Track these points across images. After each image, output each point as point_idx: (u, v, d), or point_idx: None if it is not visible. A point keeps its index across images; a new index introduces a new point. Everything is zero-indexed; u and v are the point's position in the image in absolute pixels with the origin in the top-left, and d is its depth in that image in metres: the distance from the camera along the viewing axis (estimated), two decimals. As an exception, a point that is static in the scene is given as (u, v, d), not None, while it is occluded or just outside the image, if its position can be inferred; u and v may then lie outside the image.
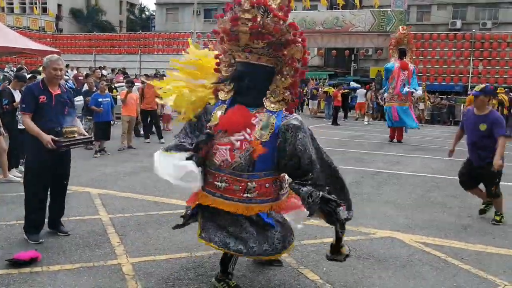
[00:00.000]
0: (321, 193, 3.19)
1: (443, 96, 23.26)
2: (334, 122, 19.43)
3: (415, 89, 13.77)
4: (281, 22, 3.22)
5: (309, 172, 3.25)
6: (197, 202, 3.47)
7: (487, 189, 5.81)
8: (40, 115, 4.41)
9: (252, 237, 3.25)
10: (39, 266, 3.90)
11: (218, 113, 3.36)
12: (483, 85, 5.82)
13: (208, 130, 3.35)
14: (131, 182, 7.19)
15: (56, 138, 4.34)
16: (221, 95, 3.44)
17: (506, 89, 17.46)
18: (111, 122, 10.27)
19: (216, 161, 3.29)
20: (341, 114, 21.14)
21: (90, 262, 4.02)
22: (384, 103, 14.72)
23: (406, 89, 13.46)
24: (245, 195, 3.28)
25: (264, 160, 3.24)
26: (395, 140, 13.69)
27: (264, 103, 3.33)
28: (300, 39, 3.32)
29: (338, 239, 3.44)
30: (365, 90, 22.19)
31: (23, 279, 3.65)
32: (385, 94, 14.25)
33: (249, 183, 3.27)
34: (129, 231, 4.89)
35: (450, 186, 7.71)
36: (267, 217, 3.28)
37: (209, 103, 3.49)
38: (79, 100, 10.05)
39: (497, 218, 5.71)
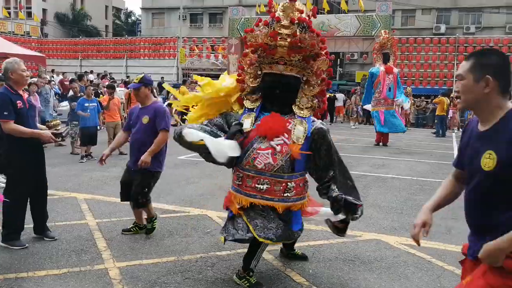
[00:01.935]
0: (344, 196, 3.68)
1: (427, 100, 23.56)
2: None
3: (402, 102, 14.04)
4: (316, 37, 3.66)
5: (333, 169, 3.76)
6: (237, 206, 3.68)
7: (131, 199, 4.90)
8: (19, 121, 4.31)
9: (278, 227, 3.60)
10: (25, 271, 3.87)
11: (248, 120, 3.69)
12: (141, 75, 4.99)
13: (238, 125, 3.67)
14: (118, 187, 7.11)
15: (54, 131, 4.54)
16: (248, 104, 3.78)
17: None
18: (98, 127, 10.21)
19: (258, 165, 3.55)
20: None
21: (76, 267, 4.00)
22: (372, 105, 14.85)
23: (401, 100, 13.79)
24: (285, 194, 3.61)
25: (300, 161, 3.63)
26: (381, 143, 13.83)
27: (294, 110, 3.69)
28: (324, 52, 3.77)
29: (347, 223, 3.94)
30: (342, 95, 22.45)
31: (8, 285, 3.61)
32: (368, 105, 14.37)
33: (289, 183, 3.61)
34: (116, 235, 4.88)
35: (434, 189, 7.79)
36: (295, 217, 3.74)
37: (233, 110, 3.86)
38: (65, 105, 10.00)
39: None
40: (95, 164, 9.13)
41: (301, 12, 3.64)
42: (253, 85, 3.79)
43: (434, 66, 23.04)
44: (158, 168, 4.84)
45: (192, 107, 4.12)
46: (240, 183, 3.66)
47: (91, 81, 16.95)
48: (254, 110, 3.74)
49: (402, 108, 14.73)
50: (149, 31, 40.73)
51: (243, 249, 4.55)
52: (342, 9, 25.96)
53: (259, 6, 26.78)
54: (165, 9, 41.14)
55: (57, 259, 4.19)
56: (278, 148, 3.55)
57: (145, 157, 4.64)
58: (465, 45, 22.71)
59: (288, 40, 3.55)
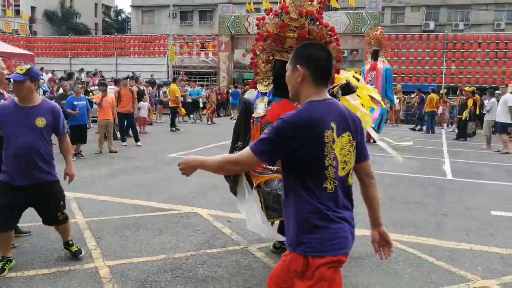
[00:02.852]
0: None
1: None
2: None
3: (391, 100, 14.16)
4: (324, 28, 3.81)
5: None
6: (257, 182, 3.82)
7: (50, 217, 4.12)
8: None
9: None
10: (13, 271, 3.83)
11: (261, 105, 3.87)
12: (28, 66, 3.94)
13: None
14: (108, 185, 7.12)
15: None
16: (261, 88, 3.99)
17: (477, 90, 17.92)
18: (87, 125, 10.13)
19: None
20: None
21: (66, 266, 3.97)
22: None
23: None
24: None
25: None
26: (371, 140, 13.88)
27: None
28: (335, 39, 3.92)
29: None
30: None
31: (-4, 286, 3.57)
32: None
33: None
34: (106, 234, 4.85)
35: (424, 185, 7.88)
36: None
37: (245, 96, 4.17)
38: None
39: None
40: (85, 163, 9.08)
41: (311, 0, 3.86)
42: (265, 69, 3.98)
43: (423, 63, 23.17)
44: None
45: None
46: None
47: (82, 81, 16.80)
48: (267, 94, 3.91)
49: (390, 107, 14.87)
50: (139, 29, 40.50)
51: (234, 246, 4.56)
52: (332, 6, 26.00)
53: (249, 3, 26.71)
54: (155, 6, 40.93)
55: (46, 258, 4.15)
56: None
57: (72, 170, 4.15)
58: (454, 42, 22.88)
59: (297, 32, 3.73)
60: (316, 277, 2.03)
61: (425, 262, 4.38)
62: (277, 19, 3.83)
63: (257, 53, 4.05)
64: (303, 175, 2.06)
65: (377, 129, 13.64)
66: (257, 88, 4.06)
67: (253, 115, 3.91)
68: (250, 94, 4.15)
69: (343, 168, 2.12)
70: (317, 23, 3.79)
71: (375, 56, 13.87)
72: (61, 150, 4.22)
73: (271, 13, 3.91)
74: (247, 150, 2.09)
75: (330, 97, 2.18)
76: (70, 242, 4.22)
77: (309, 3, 3.86)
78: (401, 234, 5.19)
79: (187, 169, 2.26)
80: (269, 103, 3.86)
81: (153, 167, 8.77)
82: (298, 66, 2.13)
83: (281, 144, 2.02)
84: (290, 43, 3.77)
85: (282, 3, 3.91)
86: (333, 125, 2.06)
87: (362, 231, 5.23)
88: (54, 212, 4.04)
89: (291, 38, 3.76)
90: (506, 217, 6.03)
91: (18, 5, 38.06)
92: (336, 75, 4.27)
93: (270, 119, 3.65)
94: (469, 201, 6.81)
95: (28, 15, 36.84)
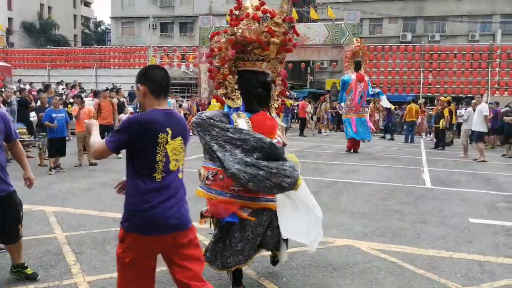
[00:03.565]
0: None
1: (396, 106, 24.06)
2: (301, 134, 19.75)
3: (379, 97, 14.46)
4: (296, 37, 3.69)
5: None
6: (245, 214, 3.43)
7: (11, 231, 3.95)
8: None
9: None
10: (-11, 290, 3.73)
11: (241, 120, 3.48)
12: None
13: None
14: (88, 199, 7.02)
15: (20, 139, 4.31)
16: (230, 103, 3.57)
17: (453, 100, 18.36)
18: (66, 137, 9.99)
19: None
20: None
21: (44, 283, 3.89)
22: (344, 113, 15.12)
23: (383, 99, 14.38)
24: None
25: None
26: (352, 150, 14.03)
27: (268, 109, 3.68)
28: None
29: None
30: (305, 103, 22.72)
31: (-28, 305, 3.48)
32: (342, 104, 14.74)
33: None
34: (86, 248, 4.77)
35: (403, 194, 7.99)
36: None
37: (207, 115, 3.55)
38: (32, 116, 9.76)
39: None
40: (64, 176, 8.94)
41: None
42: (233, 82, 3.61)
43: (401, 73, 23.57)
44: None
45: None
46: (241, 188, 3.34)
47: (60, 94, 16.58)
48: (240, 109, 3.56)
49: (370, 115, 15.09)
50: (119, 40, 40.24)
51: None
52: (311, 18, 26.33)
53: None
54: (135, 18, 40.79)
55: (27, 279, 4.05)
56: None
57: (32, 174, 4.05)
58: (430, 52, 23.34)
59: (280, 38, 3.54)
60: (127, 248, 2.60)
61: (406, 270, 4.42)
62: (257, 24, 3.51)
63: (224, 64, 3.59)
64: (138, 165, 2.56)
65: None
66: (224, 104, 3.64)
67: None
68: (211, 113, 3.58)
69: (175, 164, 2.64)
70: (292, 31, 3.66)
71: (358, 67, 14.03)
72: (15, 157, 4.11)
73: (246, 18, 3.53)
74: (102, 140, 2.58)
75: (171, 108, 2.74)
76: (26, 264, 4.03)
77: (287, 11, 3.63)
78: (382, 243, 5.24)
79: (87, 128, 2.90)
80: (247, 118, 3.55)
81: (134, 179, 8.66)
82: (138, 85, 2.64)
83: (123, 134, 2.51)
84: (272, 50, 3.56)
85: (260, 7, 3.59)
86: (168, 130, 2.57)
87: (344, 240, 5.29)
88: (16, 225, 3.89)
89: (275, 44, 3.53)
90: (483, 224, 6.15)
91: (-5, 16, 37.52)
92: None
93: (262, 133, 3.37)
94: (448, 209, 6.93)
95: (5, 27, 36.26)
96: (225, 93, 3.60)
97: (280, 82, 3.87)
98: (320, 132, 21.68)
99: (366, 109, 14.23)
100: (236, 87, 3.58)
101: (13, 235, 3.91)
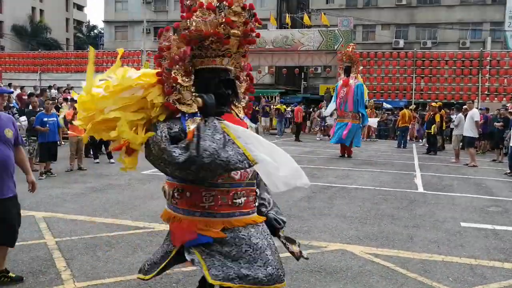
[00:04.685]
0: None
1: (389, 112, 24.22)
2: (297, 139, 19.79)
3: (364, 116, 14.18)
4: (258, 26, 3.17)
5: None
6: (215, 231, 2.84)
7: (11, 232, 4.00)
8: None
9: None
10: (-23, 296, 3.67)
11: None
12: None
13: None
14: (79, 204, 6.95)
15: None
16: (185, 108, 2.98)
17: (444, 105, 18.51)
18: (58, 142, 9.92)
19: (234, 175, 2.89)
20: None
21: (34, 289, 3.84)
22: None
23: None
24: (256, 203, 3.08)
25: None
26: (345, 155, 14.06)
27: (234, 110, 3.17)
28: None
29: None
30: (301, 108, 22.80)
31: (-41, 311, 3.42)
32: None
33: (257, 190, 3.11)
34: (76, 254, 4.72)
35: (397, 198, 8.01)
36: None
37: (151, 118, 2.96)
38: (23, 120, 9.67)
39: None
40: (54, 181, 8.86)
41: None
42: (187, 84, 3.03)
43: (394, 79, 23.72)
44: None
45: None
46: (212, 203, 2.86)
47: (53, 97, 16.48)
48: (198, 114, 2.97)
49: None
50: (112, 44, 40.12)
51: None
52: (305, 23, 26.46)
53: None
54: (128, 22, 40.76)
55: (12, 282, 3.99)
56: None
57: (34, 179, 4.10)
58: (422, 59, 23.53)
59: (241, 28, 3.03)
60: None
61: (398, 274, 4.43)
62: (213, 15, 3.00)
63: (173, 65, 3.02)
64: None
65: (350, 144, 13.85)
66: (177, 110, 3.01)
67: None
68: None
69: None
70: (253, 19, 3.12)
71: (347, 72, 14.11)
72: (18, 162, 4.14)
73: (200, 9, 3.02)
74: None
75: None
76: (7, 269, 4.02)
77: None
78: (375, 247, 5.24)
79: None
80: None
81: (126, 184, 8.62)
82: None
83: None
84: (233, 43, 3.05)
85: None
86: None
87: (337, 245, 5.28)
88: (15, 228, 3.95)
89: (235, 36, 3.03)
90: (474, 228, 6.17)
91: (-15, 20, 37.28)
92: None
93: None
94: (440, 213, 6.95)
95: (-4, 30, 36.10)
96: (178, 99, 3.01)
97: (245, 77, 3.36)
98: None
99: (356, 114, 13.93)
100: (193, 89, 3.04)
101: (12, 236, 3.95)
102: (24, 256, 4.59)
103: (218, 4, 3.01)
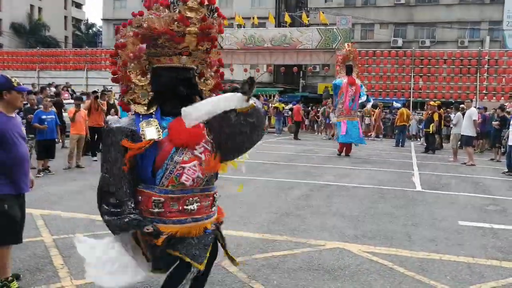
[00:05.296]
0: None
1: (387, 111, 24.24)
2: (296, 137, 19.80)
3: (368, 101, 14.51)
4: (222, 20, 3.04)
5: None
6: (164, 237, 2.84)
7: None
8: None
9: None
10: (-26, 293, 3.66)
11: (151, 129, 2.85)
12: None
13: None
14: (77, 202, 6.93)
15: None
16: (140, 109, 2.95)
17: (442, 104, 18.54)
18: (56, 140, 9.89)
19: (185, 181, 2.85)
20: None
21: (30, 287, 3.82)
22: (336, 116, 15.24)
23: (364, 102, 14.30)
24: (212, 209, 3.07)
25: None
26: (343, 154, 14.07)
27: None
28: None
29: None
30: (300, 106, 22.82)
31: (-44, 308, 3.41)
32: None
33: (215, 195, 3.10)
34: (74, 252, 4.67)
35: (395, 197, 8.01)
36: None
37: (114, 125, 2.92)
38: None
39: None
40: (52, 178, 8.84)
41: None
42: (143, 83, 2.98)
43: (392, 78, 23.74)
44: None
45: None
46: (161, 210, 2.85)
47: (58, 93, 16.41)
48: (154, 115, 2.93)
49: (375, 120, 15.21)
50: (110, 42, 40.04)
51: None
52: (303, 22, 26.43)
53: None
54: (127, 20, 40.64)
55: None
56: (203, 157, 2.89)
57: (33, 177, 4.13)
58: (420, 57, 23.55)
59: (197, 25, 2.89)
60: None
61: (396, 273, 4.42)
62: (167, 11, 2.90)
63: (128, 64, 2.98)
64: None
65: (349, 141, 13.92)
66: (130, 111, 3.03)
67: (143, 144, 2.80)
68: (116, 122, 3.02)
69: None
70: (216, 14, 2.99)
71: (350, 70, 14.10)
72: None
73: (155, 5, 2.96)
74: None
75: None
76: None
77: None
78: (373, 245, 5.24)
79: None
80: (161, 126, 2.88)
81: (123, 182, 8.59)
82: None
83: None
84: (189, 41, 2.91)
85: None
86: None
87: (335, 243, 5.28)
88: (23, 224, 4.00)
89: (191, 34, 2.88)
90: (472, 227, 6.18)
91: (-16, 18, 37.19)
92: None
93: (178, 143, 2.84)
94: (438, 212, 6.96)
95: (-6, 28, 36.01)
96: (133, 99, 2.98)
97: (212, 74, 3.22)
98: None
99: (358, 113, 14.21)
100: (149, 89, 2.98)
101: (21, 234, 3.97)
102: (21, 253, 4.57)
103: (172, 0, 2.91)
